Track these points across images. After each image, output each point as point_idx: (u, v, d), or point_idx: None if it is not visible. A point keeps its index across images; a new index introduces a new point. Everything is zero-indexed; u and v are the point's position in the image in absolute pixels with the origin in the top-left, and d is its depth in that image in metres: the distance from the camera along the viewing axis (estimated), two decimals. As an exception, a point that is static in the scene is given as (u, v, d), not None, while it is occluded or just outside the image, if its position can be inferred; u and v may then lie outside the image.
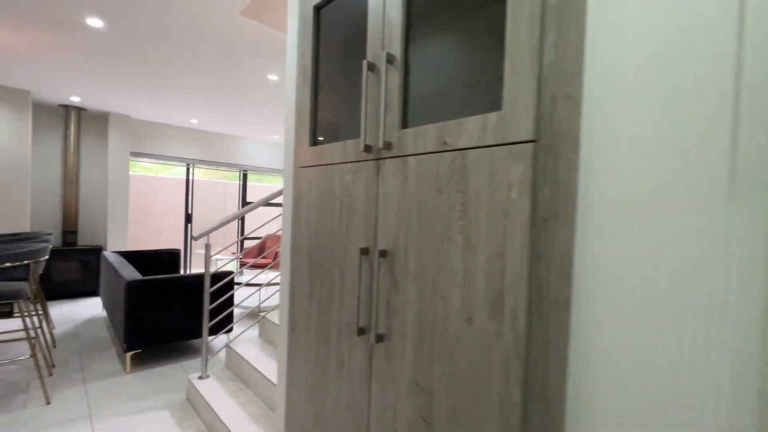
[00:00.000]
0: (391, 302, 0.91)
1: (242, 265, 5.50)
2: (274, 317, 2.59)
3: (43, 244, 2.35)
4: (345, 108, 1.14)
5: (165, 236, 6.03)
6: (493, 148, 0.70)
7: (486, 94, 0.75)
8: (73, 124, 4.65)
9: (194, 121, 5.22)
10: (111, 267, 3.26)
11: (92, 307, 4.28)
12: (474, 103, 0.77)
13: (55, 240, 4.76)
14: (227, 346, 2.44)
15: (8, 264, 2.11)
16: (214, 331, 3.01)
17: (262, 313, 2.64)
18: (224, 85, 3.54)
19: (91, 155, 4.97)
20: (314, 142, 1.23)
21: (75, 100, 4.31)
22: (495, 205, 0.70)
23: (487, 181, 0.71)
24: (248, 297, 2.57)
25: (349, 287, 1.04)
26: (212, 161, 6.04)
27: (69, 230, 4.68)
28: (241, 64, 2.99)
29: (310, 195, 1.21)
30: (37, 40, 2.70)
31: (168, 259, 4.42)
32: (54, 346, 3.09)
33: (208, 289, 2.25)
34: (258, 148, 6.57)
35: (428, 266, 0.82)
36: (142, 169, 5.83)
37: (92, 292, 4.76)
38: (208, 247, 2.25)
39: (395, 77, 0.91)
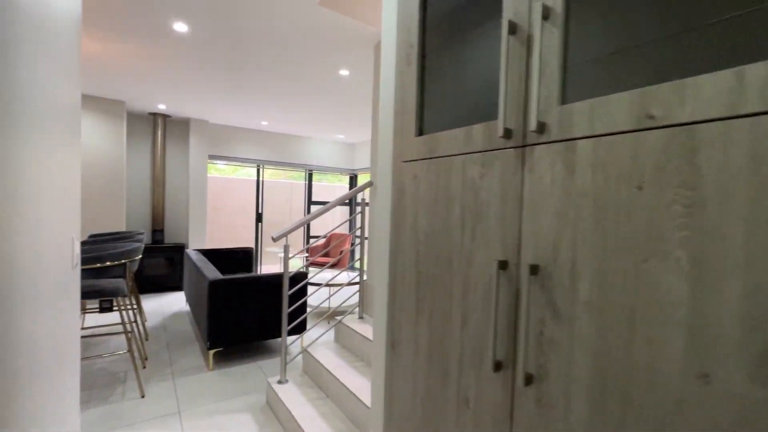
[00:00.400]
0: (547, 334, 0.69)
1: (309, 264, 5.57)
2: (349, 321, 2.48)
3: (137, 244, 2.46)
4: (462, 88, 0.93)
5: (236, 235, 6.32)
6: (761, 117, 0.45)
7: (724, 38, 0.50)
8: (159, 130, 5.01)
9: (264, 123, 5.37)
10: (194, 265, 3.40)
11: (177, 301, 4.57)
12: (696, 57, 0.53)
13: (145, 238, 5.18)
14: (305, 350, 2.38)
15: (108, 263, 2.23)
16: (290, 332, 3.00)
17: (338, 317, 2.54)
18: (295, 84, 3.53)
19: (174, 159, 5.34)
20: (421, 132, 1.04)
21: (161, 107, 4.62)
22: (765, 209, 0.45)
23: (745, 172, 0.46)
24: (326, 299, 2.48)
25: (476, 307, 0.84)
26: (280, 162, 6.21)
27: (157, 229, 5.05)
28: (313, 60, 2.93)
29: (417, 194, 1.03)
30: (129, 51, 2.85)
31: (242, 257, 4.59)
32: (146, 339, 3.29)
33: (287, 291, 2.19)
34: (323, 148, 6.64)
35: (616, 291, 0.59)
36: (216, 170, 6.16)
37: (176, 287, 5.10)
38: (286, 248, 2.18)
39: (554, 36, 0.68)
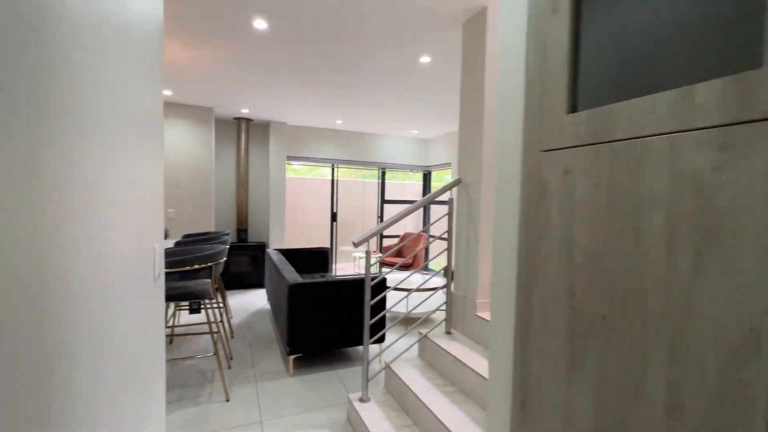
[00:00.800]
0: None
1: (382, 265, 5.42)
2: (435, 336, 2.21)
3: (222, 247, 2.47)
4: (650, 35, 0.60)
5: (312, 234, 6.42)
6: None
7: None
8: (243, 133, 5.23)
9: (339, 122, 5.33)
10: (274, 265, 3.41)
11: (259, 299, 4.72)
12: None
13: (231, 237, 5.47)
14: (387, 367, 2.16)
15: (196, 266, 2.25)
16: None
17: (422, 331, 2.29)
18: (373, 77, 3.35)
19: (256, 161, 5.55)
20: (574, 107, 0.73)
21: (244, 111, 4.80)
22: None
23: None
24: (408, 311, 2.24)
25: (704, 385, 0.51)
26: (354, 160, 6.15)
27: (241, 228, 5.29)
28: (393, 48, 2.70)
29: (571, 196, 0.71)
30: (214, 56, 2.91)
31: (319, 256, 4.58)
32: (232, 337, 3.38)
33: (369, 302, 2.00)
34: (396, 145, 6.45)
35: None
36: (292, 171, 6.31)
37: (259, 284, 5.30)
38: (368, 254, 1.98)
39: None
